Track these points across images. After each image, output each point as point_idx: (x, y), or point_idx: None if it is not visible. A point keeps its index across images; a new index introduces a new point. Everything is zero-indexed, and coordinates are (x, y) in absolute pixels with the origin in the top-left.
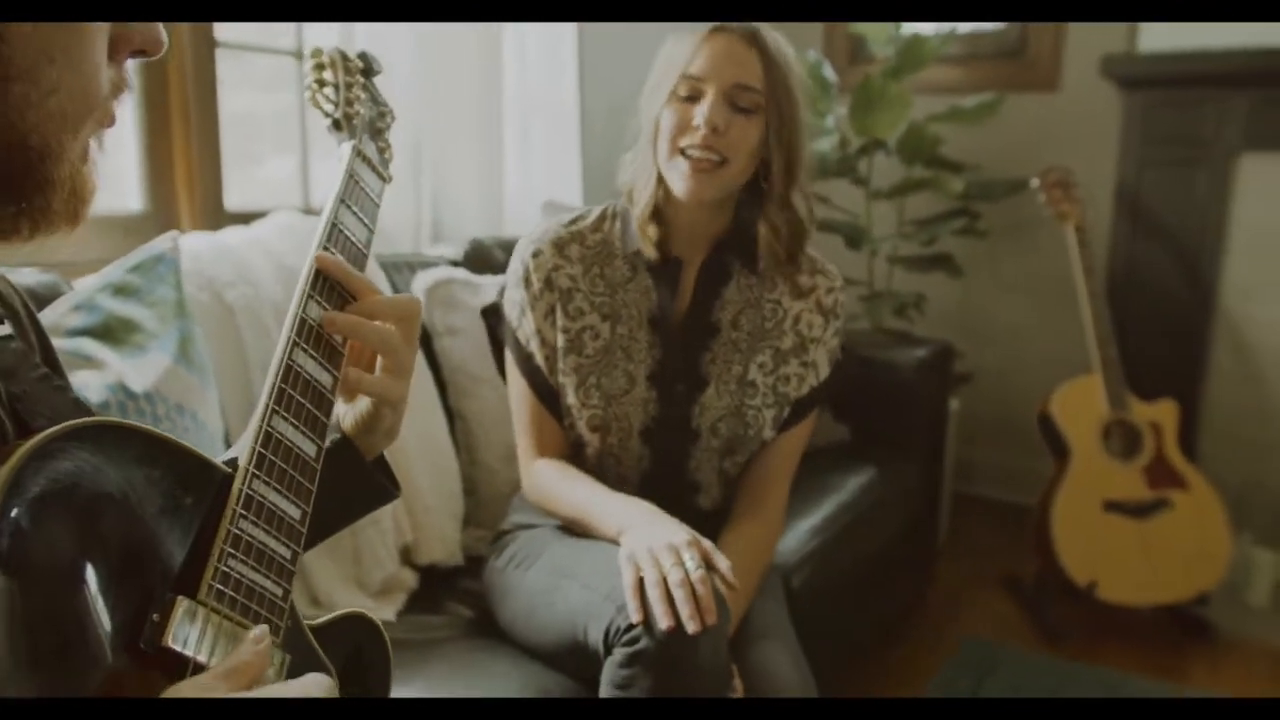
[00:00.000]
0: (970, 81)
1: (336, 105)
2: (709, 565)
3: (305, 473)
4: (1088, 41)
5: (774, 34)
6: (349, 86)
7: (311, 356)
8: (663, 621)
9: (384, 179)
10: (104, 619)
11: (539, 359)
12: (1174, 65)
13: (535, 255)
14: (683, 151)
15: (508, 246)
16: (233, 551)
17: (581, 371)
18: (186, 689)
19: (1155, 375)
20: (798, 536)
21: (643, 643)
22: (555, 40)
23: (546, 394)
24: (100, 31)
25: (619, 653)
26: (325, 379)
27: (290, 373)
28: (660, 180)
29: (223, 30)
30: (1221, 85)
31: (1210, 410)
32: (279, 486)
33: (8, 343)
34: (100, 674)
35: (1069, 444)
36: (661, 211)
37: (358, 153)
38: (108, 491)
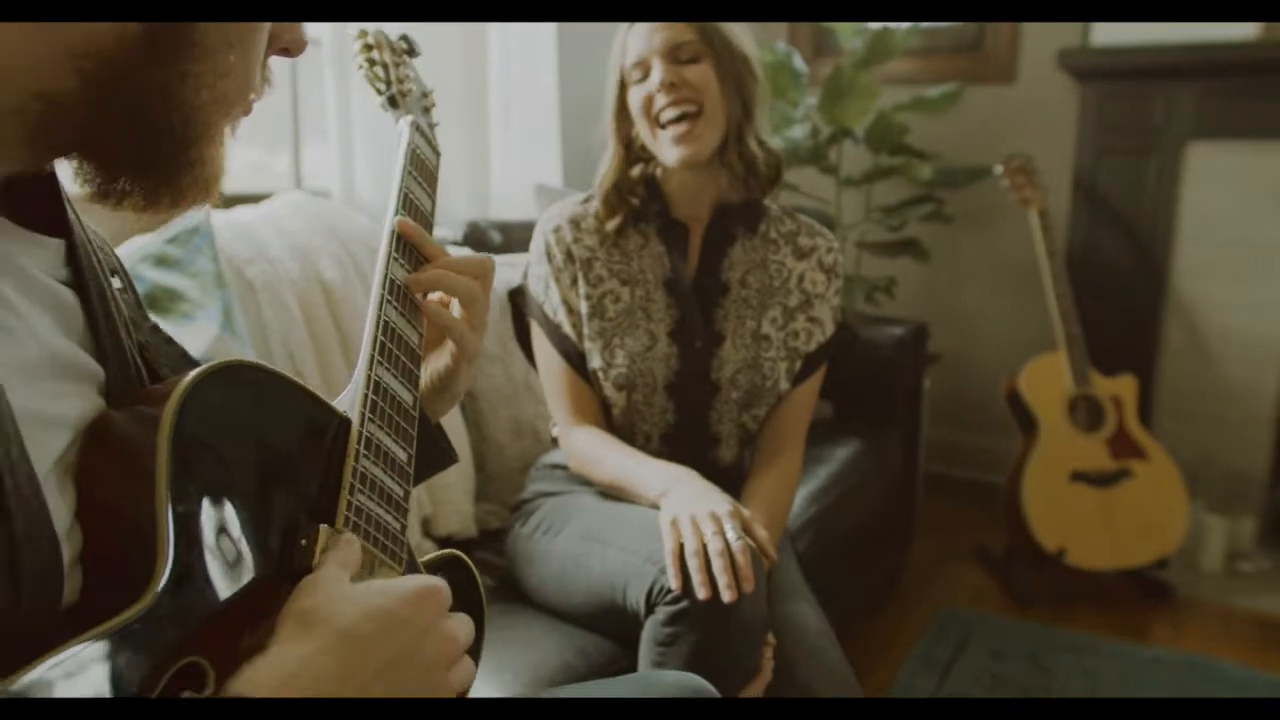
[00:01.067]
0: (931, 74)
1: (389, 84)
2: (748, 534)
3: (407, 419)
4: (1043, 35)
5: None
6: (396, 65)
7: (400, 313)
8: (701, 591)
9: (438, 152)
10: (259, 540)
11: (567, 328)
12: (1126, 58)
13: (555, 231)
14: (660, 123)
15: (501, 227)
16: (360, 487)
17: (606, 334)
18: (319, 582)
19: (1113, 352)
20: (798, 503)
21: (685, 603)
22: (536, 31)
23: (577, 360)
24: (266, 27)
25: (662, 611)
26: (413, 335)
27: (385, 327)
28: (629, 161)
29: None
30: (1170, 77)
31: (1164, 386)
32: (389, 430)
33: (124, 295)
34: (258, 588)
35: (1037, 418)
36: (660, 185)
37: (416, 127)
38: (256, 424)
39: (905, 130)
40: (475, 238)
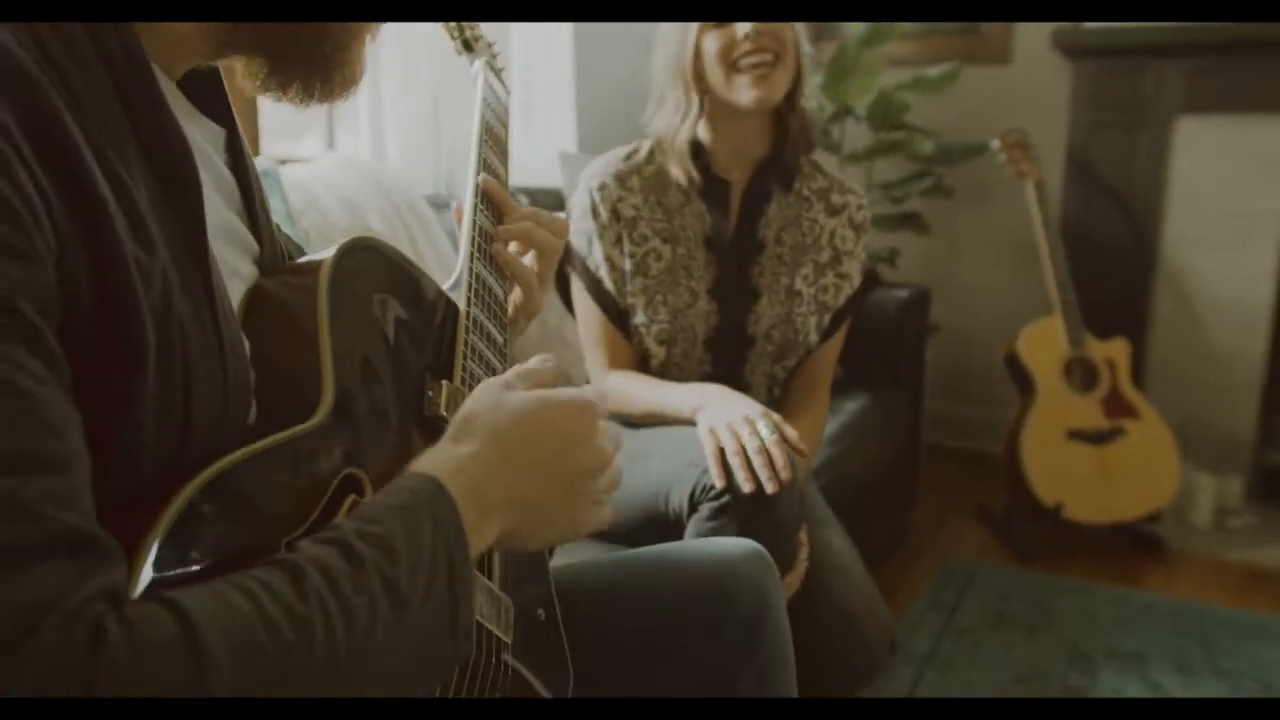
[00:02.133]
0: (929, 55)
1: (463, 30)
2: (781, 432)
3: (500, 307)
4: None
5: None
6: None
7: (489, 220)
8: (746, 486)
9: (508, 90)
10: (397, 386)
11: (608, 283)
12: (1117, 37)
13: (601, 189)
14: (736, 67)
15: (528, 192)
16: (470, 355)
17: (649, 291)
18: (480, 393)
19: (1107, 319)
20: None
21: (728, 497)
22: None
23: (616, 314)
24: None
25: (705, 508)
26: (500, 245)
27: (480, 230)
28: (699, 114)
29: None
30: (1159, 54)
31: (1155, 352)
32: (488, 315)
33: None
34: (398, 426)
35: (1035, 379)
36: (704, 144)
37: (489, 66)
38: (389, 290)
39: (906, 108)
40: None
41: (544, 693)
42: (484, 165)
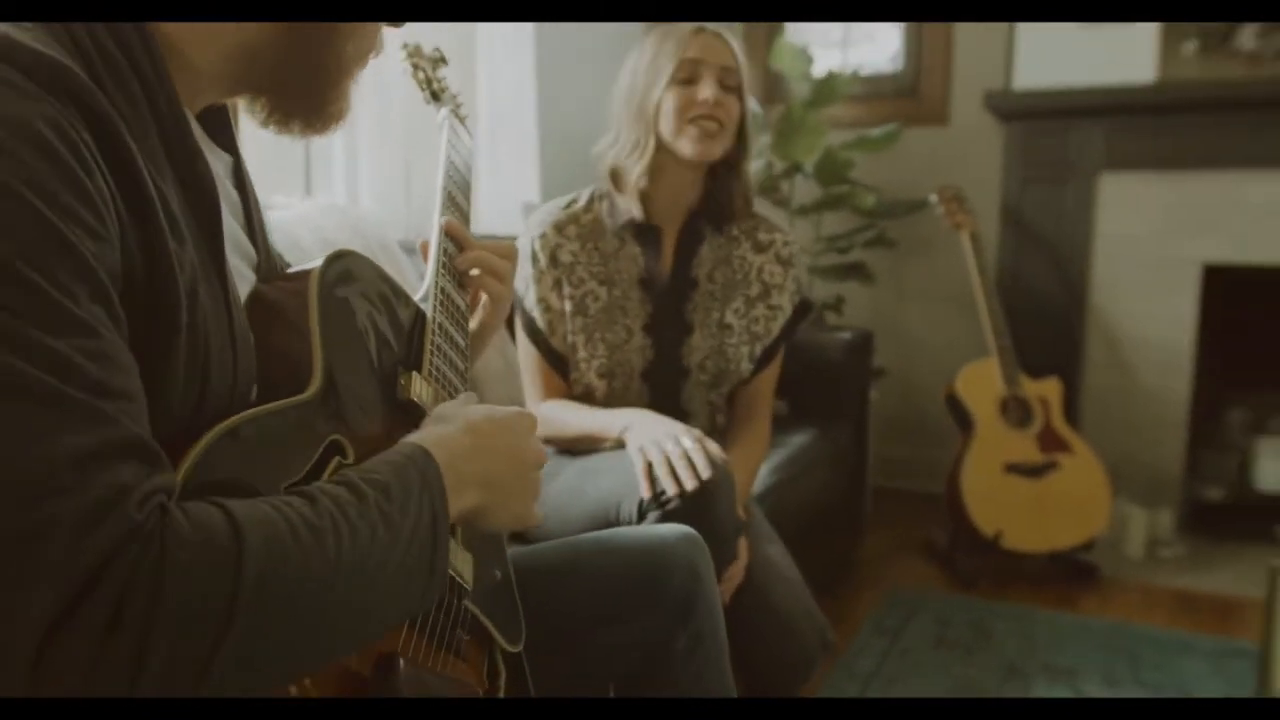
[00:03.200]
0: (872, 117)
1: (430, 81)
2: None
3: (461, 317)
4: (971, 81)
5: None
6: (434, 68)
7: (454, 243)
8: (670, 489)
9: (470, 135)
10: (376, 373)
11: (541, 323)
12: (1043, 100)
13: (541, 237)
14: (688, 121)
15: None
16: (435, 353)
17: (588, 329)
18: (447, 405)
19: (1042, 360)
20: (760, 472)
21: (672, 504)
22: (517, 60)
23: (547, 351)
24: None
25: (651, 515)
26: (461, 261)
27: (445, 251)
28: (653, 155)
29: None
30: (1082, 116)
31: (1088, 391)
32: (451, 321)
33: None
34: (376, 407)
35: (973, 416)
36: (644, 190)
37: (454, 115)
38: (368, 293)
39: (850, 165)
40: None
41: (500, 638)
42: (449, 202)
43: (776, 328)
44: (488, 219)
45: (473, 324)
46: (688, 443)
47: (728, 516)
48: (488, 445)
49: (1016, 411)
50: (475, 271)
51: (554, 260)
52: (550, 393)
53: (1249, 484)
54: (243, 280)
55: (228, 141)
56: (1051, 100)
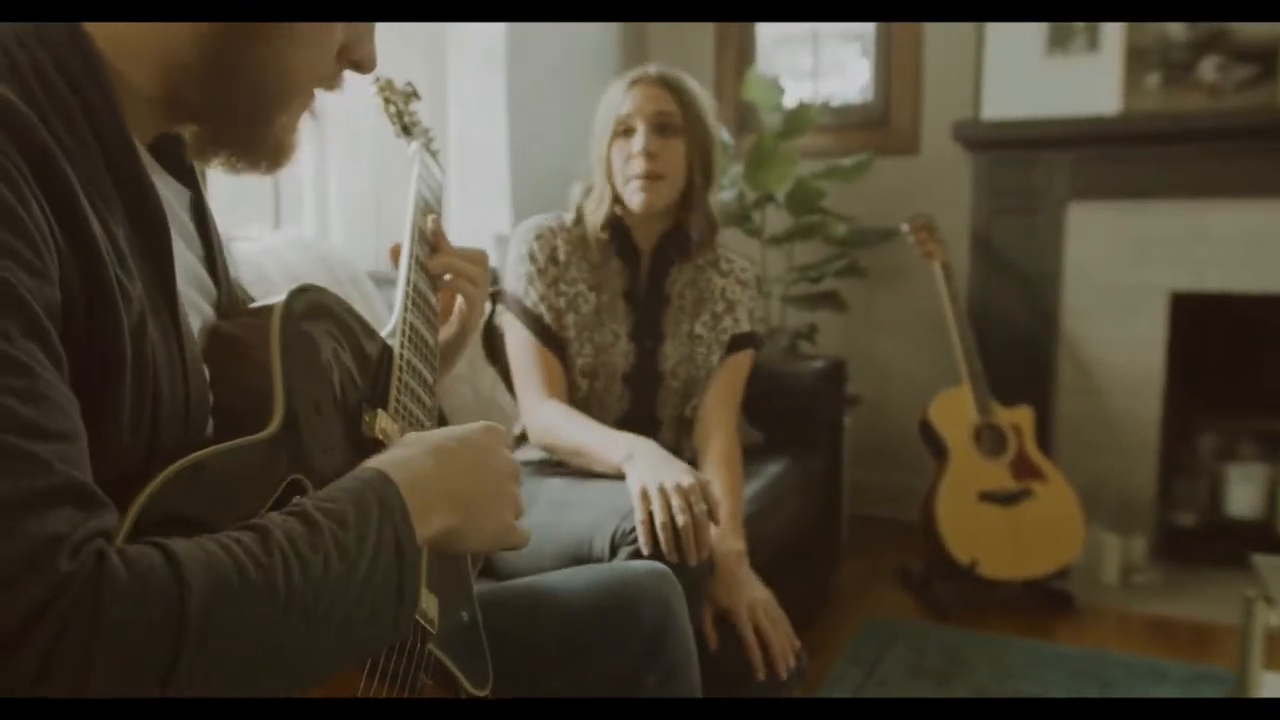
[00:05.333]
0: (843, 148)
1: (401, 115)
2: (705, 500)
3: (430, 351)
4: (940, 111)
5: (680, 73)
6: (406, 102)
7: (424, 279)
8: (671, 558)
9: (442, 170)
10: (339, 410)
11: (548, 318)
12: (1010, 130)
13: (538, 238)
14: (631, 177)
15: None
16: (402, 389)
17: (578, 326)
18: (407, 435)
19: (1013, 388)
20: None
21: (643, 549)
22: (489, 95)
23: (550, 340)
24: (334, 33)
25: (624, 552)
26: (433, 296)
27: (415, 287)
28: (615, 200)
29: None
30: (1050, 146)
31: (1060, 418)
32: (418, 356)
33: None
34: (339, 444)
35: (947, 445)
36: (620, 219)
37: (426, 147)
38: (332, 329)
39: (821, 195)
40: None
41: (465, 683)
42: (419, 234)
43: (737, 330)
44: None
45: (446, 332)
46: (698, 510)
47: (702, 568)
48: (453, 462)
49: (990, 439)
50: (449, 276)
51: (552, 258)
52: (553, 389)
53: (1221, 510)
54: (199, 314)
55: (186, 174)
56: (1019, 131)
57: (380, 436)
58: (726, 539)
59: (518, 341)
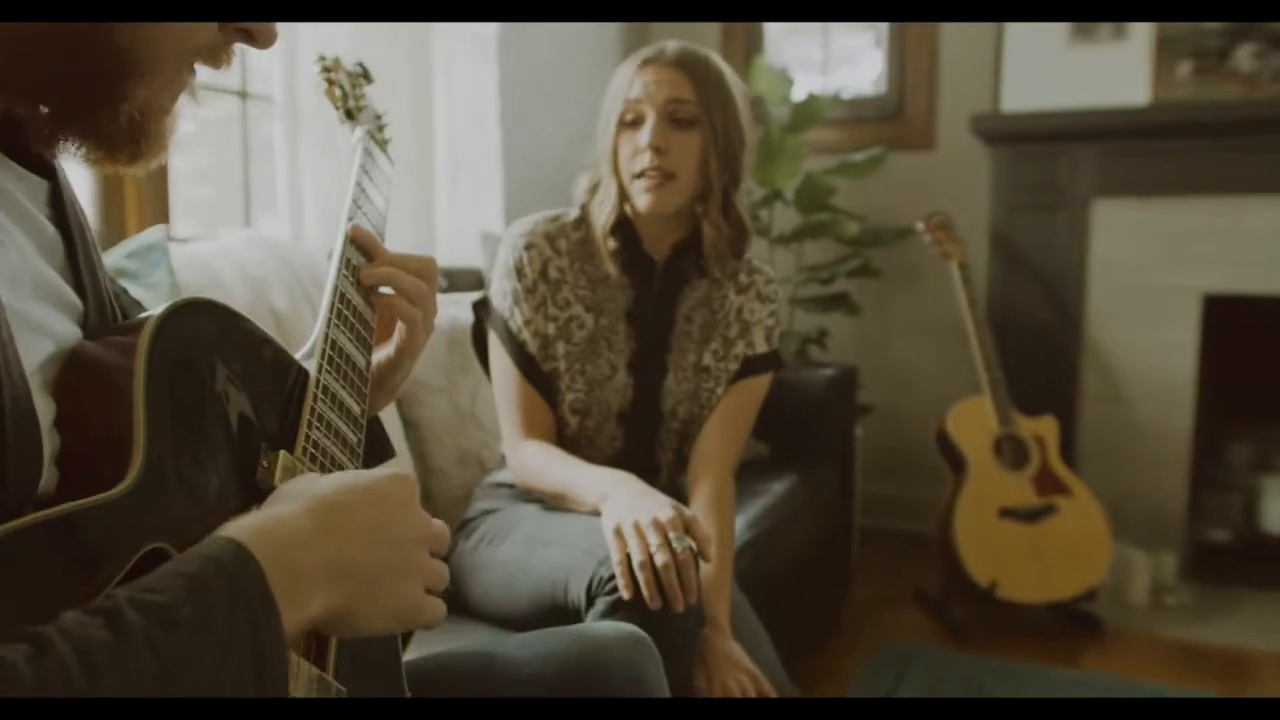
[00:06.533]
0: (855, 143)
1: (346, 98)
2: (691, 535)
3: (360, 377)
4: (958, 103)
5: (704, 52)
6: (353, 86)
7: (356, 289)
8: (653, 603)
9: (391, 162)
10: (225, 456)
11: (531, 347)
12: (1032, 123)
13: (528, 248)
14: (637, 173)
15: (446, 273)
16: (317, 424)
17: (569, 358)
18: (296, 478)
19: (1035, 396)
20: (736, 528)
21: (623, 594)
22: (479, 85)
23: (537, 378)
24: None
25: (601, 602)
26: (367, 310)
27: (342, 297)
28: (622, 198)
29: None
30: (1073, 139)
31: (1084, 428)
32: (343, 383)
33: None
34: (221, 498)
35: (965, 457)
36: (630, 221)
37: (369, 135)
38: (223, 354)
39: (832, 191)
40: None
41: None
42: (358, 208)
43: (745, 358)
44: (446, 252)
45: (381, 354)
46: (677, 546)
47: (691, 614)
48: (340, 524)
49: (1011, 452)
50: (386, 289)
51: (543, 275)
52: (533, 428)
53: (1256, 525)
54: (46, 336)
55: (42, 161)
56: (1041, 123)
57: (279, 486)
58: (708, 600)
59: (500, 367)
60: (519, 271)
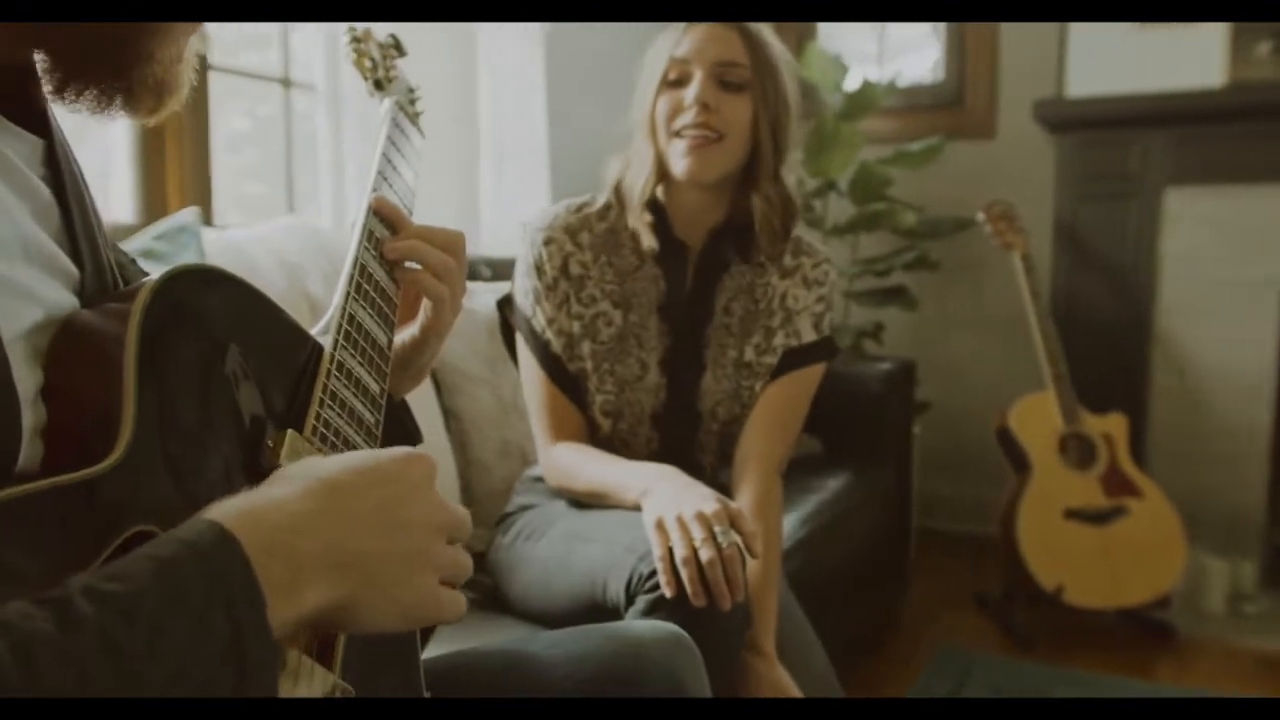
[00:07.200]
0: (911, 132)
1: (376, 68)
2: (737, 530)
3: (380, 356)
4: (1020, 89)
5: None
6: (384, 56)
7: (379, 263)
8: (696, 601)
9: (422, 134)
10: (224, 434)
11: (556, 347)
12: (1100, 108)
13: (547, 243)
14: (678, 133)
15: (490, 263)
16: (329, 403)
17: (596, 358)
18: (301, 459)
19: (1102, 392)
20: (788, 526)
21: (667, 590)
22: (525, 73)
23: (563, 380)
24: None
25: (642, 600)
26: (390, 284)
27: (363, 270)
28: (658, 168)
29: (215, 54)
30: (1144, 125)
31: (1155, 426)
32: (361, 360)
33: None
34: (219, 479)
35: (1028, 456)
36: (661, 202)
37: (399, 105)
38: (227, 327)
39: (888, 182)
40: None
41: None
42: (383, 180)
43: (787, 349)
44: (491, 242)
45: (406, 333)
46: (723, 539)
47: (737, 615)
48: (343, 508)
49: (1077, 450)
50: (412, 264)
51: (564, 271)
52: (565, 432)
53: None
54: (35, 302)
55: (37, 120)
56: (1109, 108)
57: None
58: (753, 604)
59: (526, 368)
60: (538, 269)
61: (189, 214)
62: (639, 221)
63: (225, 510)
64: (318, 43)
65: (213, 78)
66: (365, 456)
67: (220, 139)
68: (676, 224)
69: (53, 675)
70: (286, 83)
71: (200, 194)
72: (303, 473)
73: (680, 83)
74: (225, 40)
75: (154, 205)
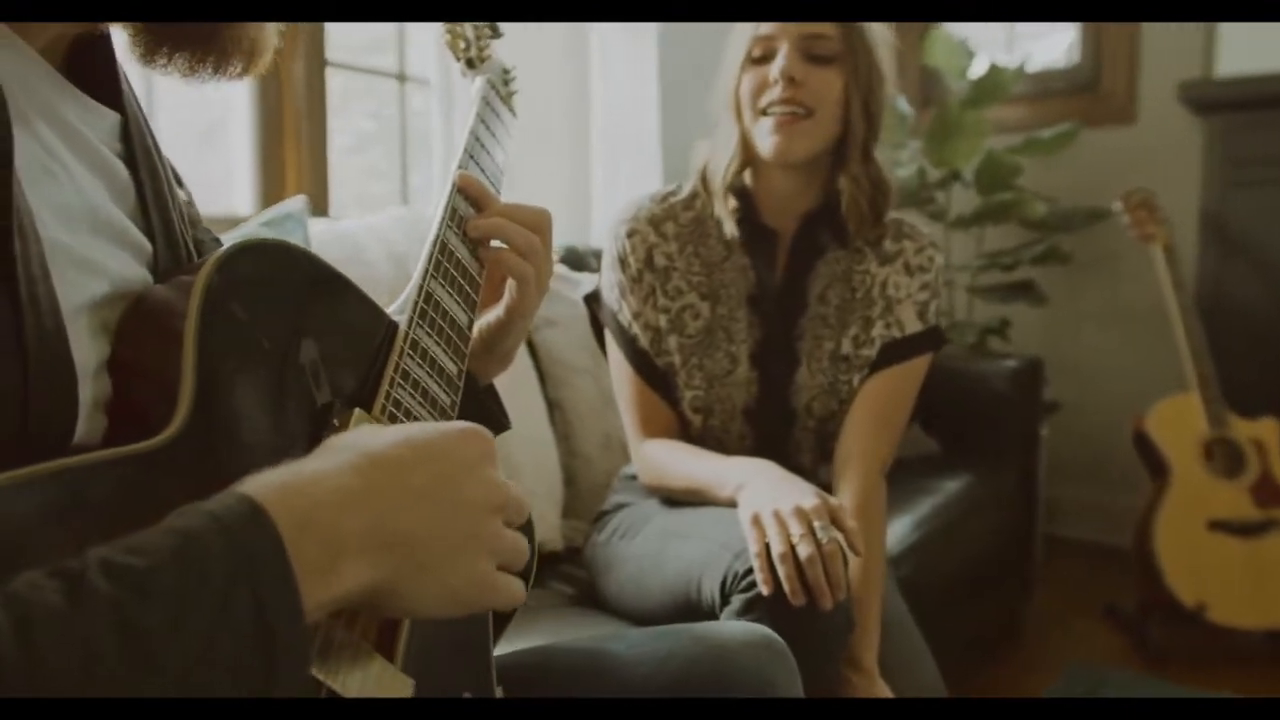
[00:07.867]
0: (1042, 119)
1: (469, 47)
2: (838, 526)
3: (459, 335)
4: (1162, 71)
5: None
6: (478, 37)
7: (461, 240)
8: (795, 599)
9: (513, 113)
10: (288, 411)
11: (643, 341)
12: (1255, 87)
13: (630, 235)
14: (764, 111)
15: (598, 254)
16: (402, 383)
17: (684, 352)
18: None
19: (1253, 395)
20: (900, 529)
21: (765, 589)
22: (638, 63)
23: (651, 375)
24: None
25: (737, 599)
26: (473, 263)
27: (444, 248)
28: (744, 150)
29: (332, 50)
30: None
31: None
32: (438, 339)
33: (190, 207)
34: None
35: (1168, 462)
36: (749, 188)
37: (490, 84)
38: (296, 303)
39: (1017, 171)
40: (572, 261)
41: None
42: (471, 158)
43: (888, 341)
44: (600, 236)
45: (491, 315)
46: (822, 535)
47: (839, 617)
48: (389, 484)
49: (1224, 457)
50: (497, 244)
51: (649, 263)
52: (655, 428)
53: None
54: (102, 276)
55: (112, 95)
56: (1264, 88)
57: None
58: (855, 607)
59: (615, 364)
60: (622, 262)
61: (296, 202)
62: (722, 208)
63: (261, 483)
64: (432, 40)
65: (339, 78)
66: (417, 430)
67: (346, 139)
68: (765, 209)
69: (56, 653)
70: (402, 78)
71: (317, 190)
72: (349, 444)
73: (765, 58)
74: (349, 45)
75: (273, 199)
